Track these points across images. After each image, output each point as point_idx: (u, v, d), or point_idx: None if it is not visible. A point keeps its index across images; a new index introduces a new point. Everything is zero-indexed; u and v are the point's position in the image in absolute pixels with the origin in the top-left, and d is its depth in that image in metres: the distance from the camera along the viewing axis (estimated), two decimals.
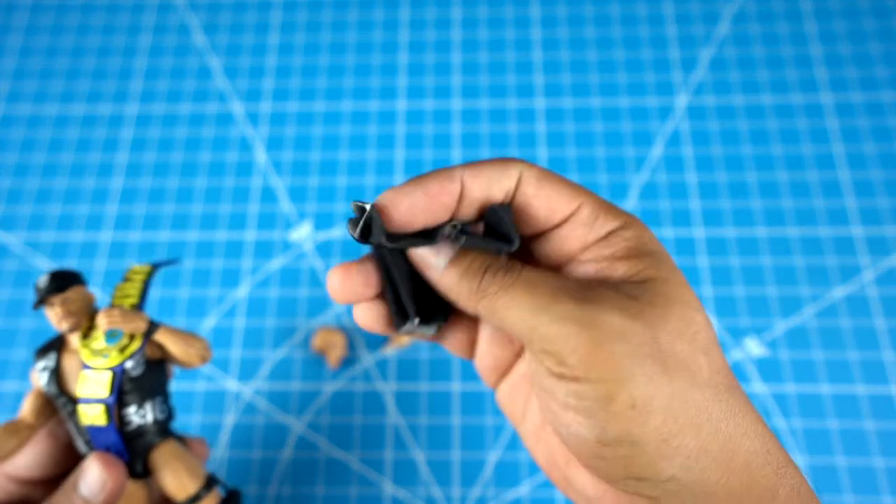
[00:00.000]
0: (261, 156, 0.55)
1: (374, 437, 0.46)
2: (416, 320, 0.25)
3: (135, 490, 0.31)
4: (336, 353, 0.47)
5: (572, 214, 0.24)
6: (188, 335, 0.32)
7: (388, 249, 0.25)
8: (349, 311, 0.49)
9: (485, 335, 0.29)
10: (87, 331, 0.31)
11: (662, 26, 0.58)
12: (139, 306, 0.32)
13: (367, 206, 0.23)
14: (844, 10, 0.57)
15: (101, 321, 0.29)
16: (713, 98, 0.55)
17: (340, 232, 0.52)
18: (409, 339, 0.48)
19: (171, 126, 0.56)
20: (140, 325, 0.30)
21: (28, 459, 0.31)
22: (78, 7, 0.62)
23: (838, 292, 0.48)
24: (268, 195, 0.53)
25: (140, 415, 0.31)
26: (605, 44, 0.58)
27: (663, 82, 0.56)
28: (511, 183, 0.25)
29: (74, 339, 0.31)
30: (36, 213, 0.53)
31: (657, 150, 0.53)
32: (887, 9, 0.57)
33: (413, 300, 0.25)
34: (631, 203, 0.52)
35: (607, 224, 0.24)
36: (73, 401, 0.30)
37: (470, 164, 0.25)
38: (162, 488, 0.31)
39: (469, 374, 0.47)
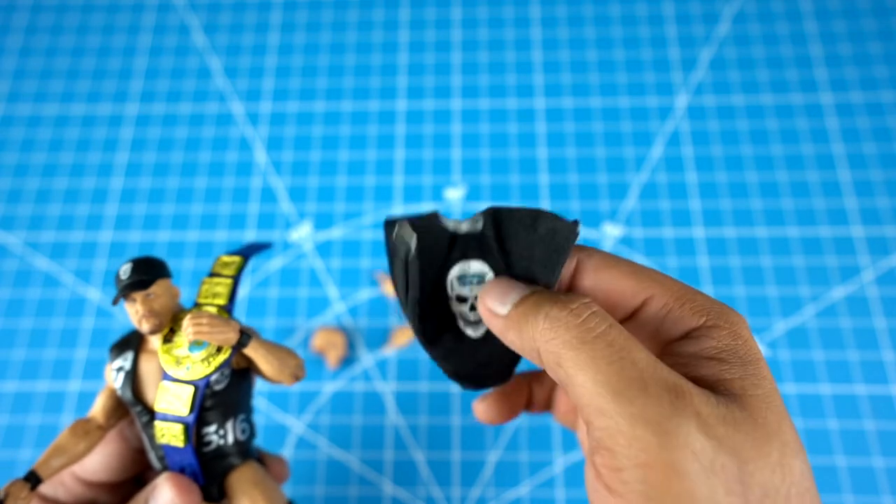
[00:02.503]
0: (261, 156, 0.55)
1: (374, 437, 0.46)
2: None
3: None
4: (336, 353, 0.47)
5: (638, 311, 0.20)
6: (282, 350, 0.28)
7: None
8: (349, 311, 0.49)
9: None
10: (170, 333, 0.27)
11: (662, 26, 0.58)
12: (229, 309, 0.28)
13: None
14: (844, 10, 0.57)
15: (188, 330, 0.25)
16: (713, 98, 0.55)
17: (340, 232, 0.52)
18: (410, 339, 0.48)
19: (171, 126, 0.56)
20: (231, 337, 0.26)
21: (96, 461, 0.29)
22: (78, 7, 0.62)
23: (838, 292, 0.48)
24: (268, 195, 0.53)
25: (220, 434, 0.27)
26: (605, 44, 0.58)
27: (663, 82, 0.56)
28: (566, 271, 0.22)
29: (155, 341, 0.28)
30: (36, 213, 0.53)
31: (657, 150, 0.53)
32: (887, 9, 0.57)
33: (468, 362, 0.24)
34: (631, 203, 0.52)
35: (684, 321, 0.19)
36: (150, 411, 0.27)
37: None
38: None
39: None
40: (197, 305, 0.28)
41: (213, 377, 0.26)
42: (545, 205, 0.52)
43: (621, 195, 0.52)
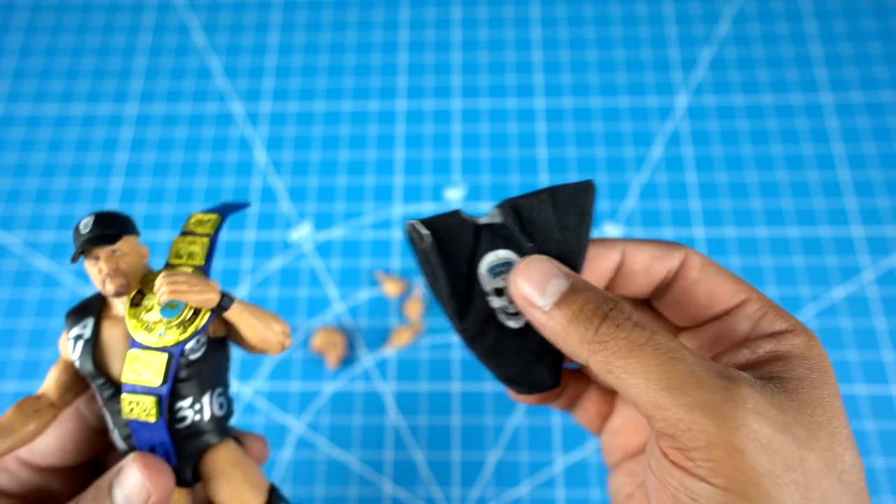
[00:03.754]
0: (261, 156, 0.55)
1: (374, 437, 0.46)
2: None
3: (177, 500, 0.25)
4: (336, 353, 0.47)
5: (735, 308, 0.23)
6: (266, 314, 0.25)
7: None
8: (349, 311, 0.49)
9: (623, 414, 0.27)
10: (138, 296, 0.24)
11: (662, 26, 0.58)
12: (205, 270, 0.25)
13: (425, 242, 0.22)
14: (844, 10, 0.57)
15: (161, 290, 0.22)
16: (713, 98, 0.55)
17: (340, 232, 0.52)
18: (410, 339, 0.48)
19: (171, 126, 0.56)
20: (212, 298, 0.23)
21: (48, 443, 0.26)
22: (78, 7, 0.62)
23: (838, 292, 0.48)
24: (268, 195, 0.53)
25: (196, 409, 0.24)
26: (605, 44, 0.58)
27: (663, 82, 0.56)
28: (674, 263, 0.24)
29: (120, 305, 0.24)
30: (36, 213, 0.53)
31: (657, 150, 0.53)
32: (887, 9, 0.57)
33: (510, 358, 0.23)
34: (631, 203, 0.52)
35: (775, 324, 0.22)
36: (114, 384, 0.24)
37: (633, 239, 0.24)
38: (214, 501, 0.25)
39: (469, 374, 0.47)
40: (168, 266, 0.25)
41: (189, 344, 0.23)
42: None
43: (621, 195, 0.52)
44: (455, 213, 0.23)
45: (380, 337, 0.49)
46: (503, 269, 0.23)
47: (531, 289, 0.21)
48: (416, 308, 0.49)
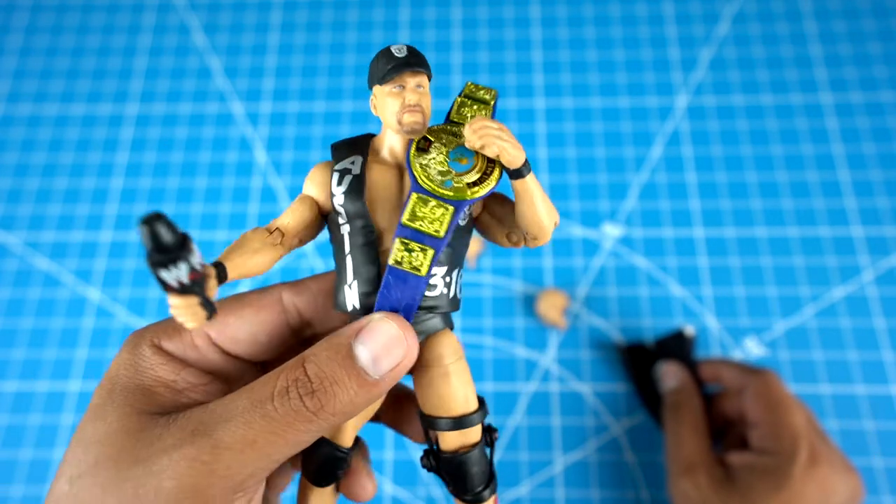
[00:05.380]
0: (261, 156, 0.55)
1: (374, 437, 0.46)
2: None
3: None
4: None
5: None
6: (547, 197, 0.22)
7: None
8: None
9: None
10: (424, 142, 0.22)
11: (662, 26, 0.58)
12: None
13: None
14: (844, 10, 0.57)
15: (481, 132, 0.20)
16: (713, 98, 0.55)
17: None
18: None
19: (171, 126, 0.56)
20: (521, 156, 0.20)
21: (245, 330, 0.24)
22: (78, 7, 0.62)
23: (838, 292, 0.48)
24: (268, 195, 0.53)
25: (446, 282, 0.22)
26: (605, 44, 0.58)
27: (663, 82, 0.56)
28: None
29: (394, 146, 0.22)
30: (36, 213, 0.53)
31: (657, 150, 0.53)
32: (887, 9, 0.57)
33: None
34: (631, 203, 0.52)
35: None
36: (374, 230, 0.22)
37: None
38: (432, 389, 0.22)
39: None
40: (451, 123, 0.23)
41: (469, 205, 0.21)
42: None
43: (621, 195, 0.52)
44: (640, 346, 0.48)
45: None
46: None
47: (667, 377, 0.45)
48: None
